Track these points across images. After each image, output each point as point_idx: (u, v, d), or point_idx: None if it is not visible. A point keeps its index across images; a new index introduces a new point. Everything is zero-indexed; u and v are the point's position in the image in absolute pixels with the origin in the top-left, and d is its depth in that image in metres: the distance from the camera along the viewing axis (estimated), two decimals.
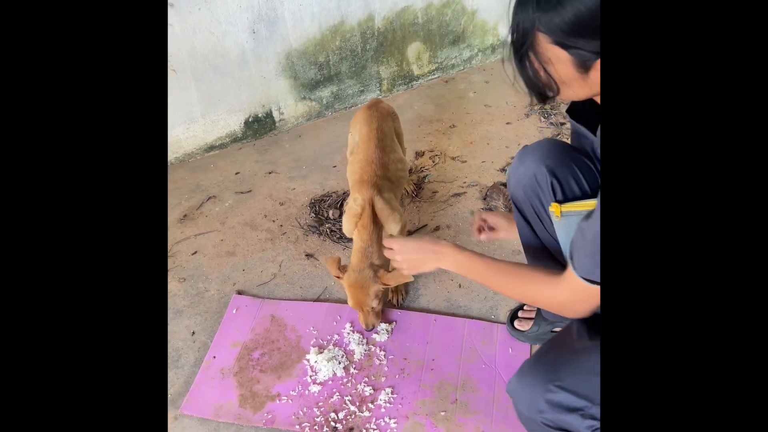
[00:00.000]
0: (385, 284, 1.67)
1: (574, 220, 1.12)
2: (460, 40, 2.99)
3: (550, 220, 1.38)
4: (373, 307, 1.71)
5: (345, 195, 2.31)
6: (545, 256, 1.52)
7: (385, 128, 1.94)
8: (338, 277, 1.71)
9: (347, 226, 1.82)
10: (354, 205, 1.77)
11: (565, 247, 1.26)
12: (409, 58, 2.88)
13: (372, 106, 2.01)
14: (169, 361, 1.77)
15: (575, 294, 1.03)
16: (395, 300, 1.88)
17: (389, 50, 2.78)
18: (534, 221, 1.45)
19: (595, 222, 0.92)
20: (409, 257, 1.35)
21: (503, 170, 2.38)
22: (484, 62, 3.15)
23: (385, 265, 1.74)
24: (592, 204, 1.21)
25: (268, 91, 2.58)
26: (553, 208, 1.25)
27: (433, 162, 2.47)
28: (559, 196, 1.33)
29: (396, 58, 2.83)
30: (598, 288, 0.97)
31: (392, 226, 1.79)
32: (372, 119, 1.94)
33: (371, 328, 1.75)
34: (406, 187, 2.22)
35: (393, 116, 2.06)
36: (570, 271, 1.01)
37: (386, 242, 1.39)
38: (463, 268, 1.26)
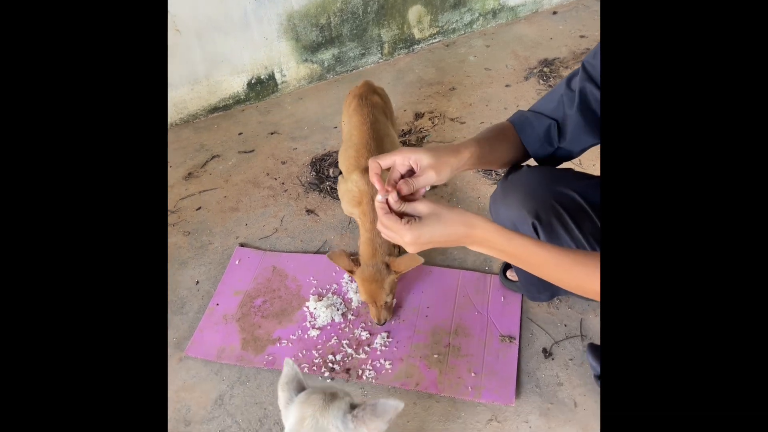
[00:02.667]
0: (397, 272, 1.64)
1: None
2: (461, 4, 3.00)
3: None
4: (386, 302, 1.66)
5: None
6: (539, 283, 1.55)
7: (377, 114, 1.92)
8: (351, 272, 1.67)
9: (346, 206, 1.82)
10: (353, 187, 1.75)
11: None
12: (410, 22, 2.90)
13: (362, 96, 1.97)
14: (173, 308, 1.84)
15: None
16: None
17: (390, 13, 2.80)
18: None
19: None
20: (431, 245, 0.99)
21: None
22: (485, 26, 3.17)
23: (393, 251, 1.72)
24: None
25: (271, 53, 2.62)
26: None
27: (433, 123, 2.51)
28: (543, 238, 1.28)
29: (397, 21, 2.85)
30: None
31: None
32: (363, 107, 1.92)
33: (384, 323, 1.69)
34: None
35: (385, 102, 2.04)
36: None
37: (399, 236, 0.97)
38: (496, 252, 0.98)
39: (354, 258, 1.69)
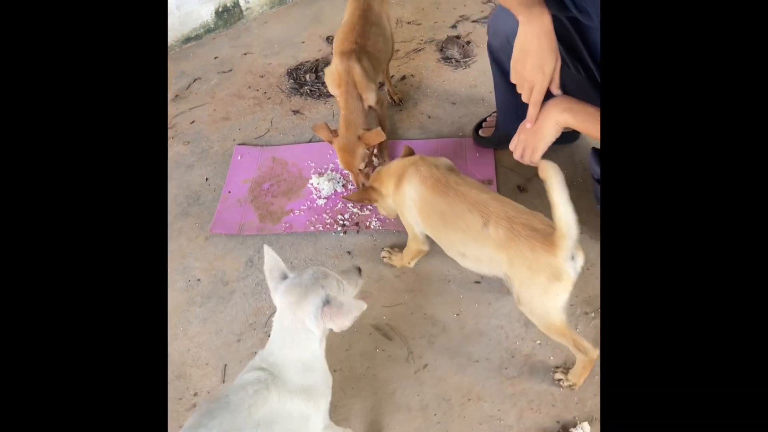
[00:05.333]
0: (366, 143, 1.85)
1: None
2: None
3: None
4: (361, 169, 1.88)
5: (318, 62, 2.58)
6: (516, 110, 1.64)
7: (374, 4, 2.02)
8: (330, 141, 1.89)
9: (330, 87, 1.98)
10: (333, 69, 1.91)
11: None
12: None
13: None
14: (189, 201, 2.06)
15: None
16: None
17: None
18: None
19: None
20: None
21: (454, 26, 2.68)
22: None
23: (369, 127, 1.90)
24: None
25: None
26: None
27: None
28: None
29: None
30: None
31: (369, 96, 1.91)
32: None
33: (362, 186, 1.89)
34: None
35: None
36: None
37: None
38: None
39: (334, 131, 1.90)
